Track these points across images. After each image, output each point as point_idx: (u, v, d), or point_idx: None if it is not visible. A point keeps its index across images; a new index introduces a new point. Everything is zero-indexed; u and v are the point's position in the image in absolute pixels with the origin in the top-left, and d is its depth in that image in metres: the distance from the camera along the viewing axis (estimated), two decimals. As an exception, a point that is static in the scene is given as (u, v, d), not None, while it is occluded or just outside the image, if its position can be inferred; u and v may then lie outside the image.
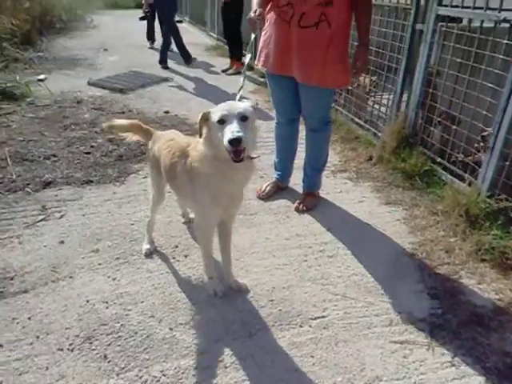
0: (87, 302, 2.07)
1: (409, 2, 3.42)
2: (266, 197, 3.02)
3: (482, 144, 2.96)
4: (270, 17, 2.57)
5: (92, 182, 3.15)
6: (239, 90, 2.03)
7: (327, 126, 2.82)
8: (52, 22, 9.37)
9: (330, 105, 2.84)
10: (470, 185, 2.84)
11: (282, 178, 3.11)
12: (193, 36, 10.16)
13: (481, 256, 2.42)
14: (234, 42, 6.67)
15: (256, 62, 2.76)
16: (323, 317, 2.02)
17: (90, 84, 5.59)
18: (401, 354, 1.84)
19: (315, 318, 2.01)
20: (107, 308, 2.03)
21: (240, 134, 1.57)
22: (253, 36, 2.42)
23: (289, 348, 1.85)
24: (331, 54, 2.46)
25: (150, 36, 8.30)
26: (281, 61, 2.56)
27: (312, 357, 1.82)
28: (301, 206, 2.90)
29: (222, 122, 1.64)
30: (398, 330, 1.96)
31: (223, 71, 6.75)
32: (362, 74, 2.69)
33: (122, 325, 1.94)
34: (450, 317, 2.04)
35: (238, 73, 6.63)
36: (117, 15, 13.39)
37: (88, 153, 3.60)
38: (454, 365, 1.80)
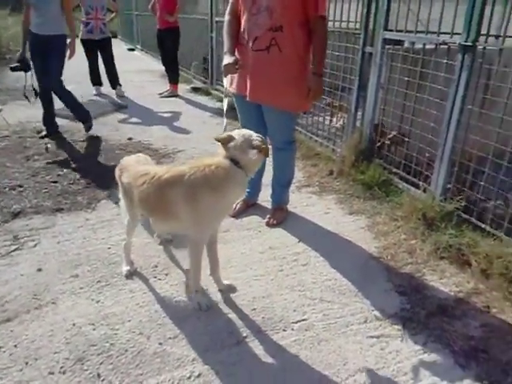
0: (73, 325, 2.09)
1: (358, 27, 3.72)
2: (237, 214, 3.13)
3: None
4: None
5: (63, 209, 3.17)
6: (224, 129, 2.29)
7: (291, 146, 2.98)
8: (1, 52, 9.21)
9: (292, 127, 2.97)
10: (424, 191, 3.09)
11: (251, 195, 3.23)
12: (145, 63, 10.27)
13: (440, 254, 2.64)
14: (171, 67, 6.95)
15: (226, 86, 2.81)
16: (304, 320, 2.15)
17: (49, 114, 5.54)
18: (378, 347, 1.99)
19: (297, 322, 2.14)
20: (94, 329, 2.06)
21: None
22: (226, 100, 2.60)
23: (275, 351, 1.96)
24: (281, 76, 2.62)
25: (96, 79, 6.94)
26: (242, 81, 2.73)
27: (298, 357, 1.93)
28: (271, 220, 3.04)
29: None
30: (373, 326, 2.12)
31: (159, 94, 6.92)
32: (315, 102, 2.86)
33: (111, 344, 1.98)
34: (418, 310, 2.22)
35: (173, 96, 6.89)
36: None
37: (55, 181, 3.61)
38: (425, 352, 1.98)
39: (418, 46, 3.21)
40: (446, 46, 2.94)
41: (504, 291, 2.33)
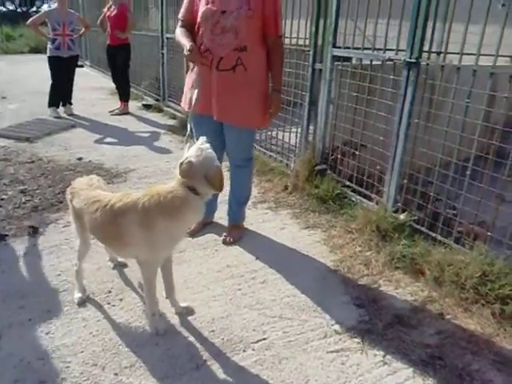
0: (21, 360, 1.96)
1: (307, 44, 3.80)
2: (193, 234, 3.07)
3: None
4: (190, 64, 2.72)
5: (7, 235, 2.99)
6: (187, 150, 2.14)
7: (249, 162, 3.00)
8: None
9: (251, 143, 3.01)
10: (377, 203, 3.17)
11: (207, 214, 3.10)
12: (94, 80, 10.04)
13: (394, 264, 2.70)
14: (122, 84, 6.87)
15: (182, 105, 2.85)
16: (264, 339, 2.12)
17: (-8, 134, 5.29)
18: (339, 362, 2.00)
19: (257, 342, 2.10)
20: (44, 364, 1.94)
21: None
22: (195, 91, 2.51)
23: (236, 373, 1.92)
24: (247, 95, 2.66)
25: (56, 99, 6.50)
26: (204, 101, 2.64)
27: (259, 377, 1.90)
28: (228, 238, 3.01)
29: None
30: (333, 341, 2.12)
31: (110, 112, 6.80)
32: (274, 117, 2.88)
33: (63, 378, 1.87)
34: (376, 321, 2.25)
35: (124, 113, 6.79)
36: (10, 60, 12.82)
37: (-2, 206, 3.42)
38: (386, 363, 2.00)
39: (366, 62, 3.31)
40: (391, 63, 3.06)
41: (456, 298, 2.41)
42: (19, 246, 2.88)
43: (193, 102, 2.52)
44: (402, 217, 2.95)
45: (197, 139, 2.81)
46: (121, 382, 1.86)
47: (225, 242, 3.00)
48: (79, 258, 2.36)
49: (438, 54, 3.77)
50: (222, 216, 3.25)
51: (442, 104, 2.88)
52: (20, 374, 1.89)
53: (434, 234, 2.83)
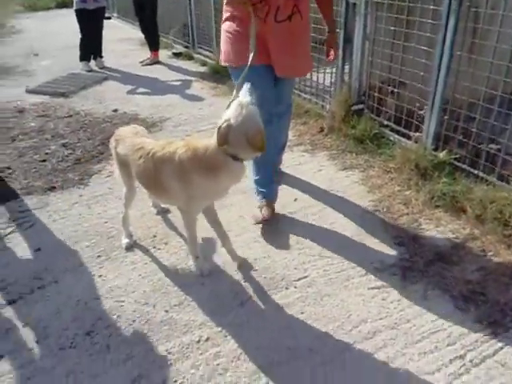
0: (78, 301, 2.11)
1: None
2: (269, 218, 2.61)
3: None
4: (235, 15, 2.41)
5: (55, 188, 3.13)
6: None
7: (291, 108, 2.92)
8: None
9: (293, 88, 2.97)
10: (416, 141, 3.09)
11: (271, 193, 2.72)
12: (123, 31, 9.93)
13: (435, 203, 2.67)
14: (151, 33, 6.74)
15: (224, 61, 2.51)
16: (305, 277, 2.19)
17: (29, 91, 5.40)
18: (380, 298, 2.04)
19: (298, 279, 2.17)
20: (100, 303, 2.09)
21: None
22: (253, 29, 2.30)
23: (280, 309, 2.01)
24: (305, 44, 2.54)
25: (88, 53, 6.46)
26: (261, 52, 2.35)
27: (302, 313, 1.98)
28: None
29: None
30: (373, 278, 2.16)
31: (141, 63, 6.75)
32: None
33: (118, 316, 2.01)
34: (416, 259, 2.27)
35: (155, 62, 6.72)
36: (38, 17, 12.78)
37: (44, 160, 3.55)
38: (426, 298, 2.03)
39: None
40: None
41: (498, 235, 2.38)
42: (67, 196, 3.02)
43: (250, 56, 2.24)
44: (442, 155, 2.87)
45: (254, 91, 2.47)
46: (171, 318, 1.98)
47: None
48: (125, 206, 2.45)
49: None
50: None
51: (487, 33, 2.70)
52: (79, 313, 2.04)
53: (475, 172, 2.76)
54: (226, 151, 1.86)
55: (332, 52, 2.63)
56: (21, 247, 2.51)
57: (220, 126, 1.83)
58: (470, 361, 1.74)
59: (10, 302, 2.12)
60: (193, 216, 2.16)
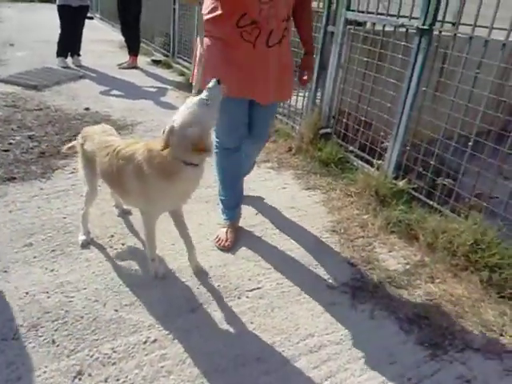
0: (27, 293, 2.06)
1: (321, 6, 3.75)
2: (232, 245, 2.55)
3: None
4: (220, 38, 2.21)
5: (15, 178, 3.06)
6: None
7: (266, 140, 2.83)
8: None
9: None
10: (378, 169, 3.21)
11: (235, 216, 2.70)
12: (104, 33, 9.90)
13: (390, 229, 2.77)
14: (132, 37, 6.78)
15: (198, 87, 2.40)
16: (258, 288, 2.22)
17: (0, 80, 5.29)
18: (329, 314, 2.09)
19: (251, 290, 2.20)
20: (49, 297, 2.04)
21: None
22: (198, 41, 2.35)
23: (230, 318, 2.02)
24: (289, 67, 2.40)
25: (65, 49, 6.43)
26: (244, 83, 2.23)
27: (252, 323, 2.00)
28: None
29: None
30: (324, 294, 2.22)
31: (118, 65, 6.76)
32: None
33: (66, 311, 1.97)
34: (368, 280, 2.34)
35: (133, 67, 6.75)
36: (20, 8, 12.59)
37: (6, 150, 3.46)
38: (373, 318, 2.10)
39: (378, 27, 3.28)
40: (404, 29, 3.03)
41: (447, 264, 2.49)
42: (27, 188, 2.96)
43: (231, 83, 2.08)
44: (401, 183, 3.00)
45: (229, 123, 2.39)
46: (121, 317, 1.96)
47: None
48: (86, 204, 2.42)
49: (452, 24, 3.72)
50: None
51: (451, 74, 2.88)
52: (26, 305, 1.99)
53: (431, 202, 2.89)
54: (173, 155, 1.82)
55: (306, 75, 2.52)
56: (-28, 234, 2.44)
57: (164, 129, 1.82)
58: (409, 379, 1.80)
59: (-47, 289, 2.06)
60: (152, 218, 2.15)
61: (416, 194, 2.98)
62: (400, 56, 3.07)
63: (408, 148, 3.04)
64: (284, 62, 2.31)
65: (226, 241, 2.55)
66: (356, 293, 2.25)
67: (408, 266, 2.49)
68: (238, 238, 2.61)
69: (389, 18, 3.21)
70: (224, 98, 2.09)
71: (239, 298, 2.15)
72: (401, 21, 3.05)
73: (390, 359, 1.89)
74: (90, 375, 1.69)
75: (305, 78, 2.51)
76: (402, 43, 3.05)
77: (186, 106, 1.82)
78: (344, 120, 3.63)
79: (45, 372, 1.69)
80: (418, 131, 3.01)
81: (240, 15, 2.09)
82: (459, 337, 2.04)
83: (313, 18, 2.52)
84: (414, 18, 2.98)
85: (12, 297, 2.03)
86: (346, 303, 2.18)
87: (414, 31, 2.90)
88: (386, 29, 3.23)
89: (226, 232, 2.59)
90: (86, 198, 2.40)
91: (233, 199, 2.67)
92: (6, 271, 2.19)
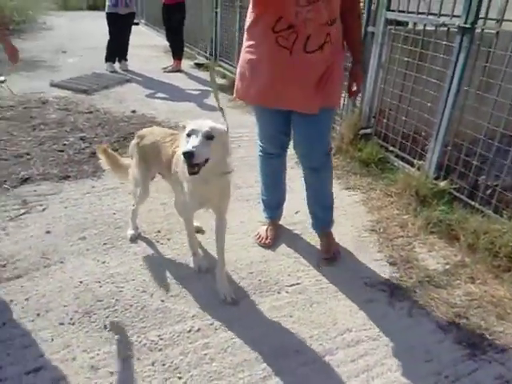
0: (81, 282, 2.22)
1: (361, 6, 3.76)
2: (273, 242, 2.61)
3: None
4: (255, 43, 2.15)
5: (69, 177, 3.28)
6: (222, 113, 2.05)
7: (328, 158, 2.43)
8: (4, 23, 9.16)
9: (330, 130, 2.44)
10: (418, 169, 3.20)
11: (276, 215, 2.74)
12: (149, 38, 10.24)
13: (430, 229, 2.77)
14: (176, 42, 7.02)
15: (235, 96, 2.33)
16: (298, 284, 2.29)
17: (53, 85, 5.61)
18: (366, 310, 2.13)
19: (291, 285, 2.28)
20: (101, 287, 2.20)
21: (194, 149, 1.69)
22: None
23: (270, 311, 2.10)
24: (336, 74, 2.19)
25: (113, 54, 6.77)
26: (275, 93, 2.15)
27: (291, 316, 2.07)
28: (328, 256, 2.49)
29: (189, 135, 1.78)
30: (362, 292, 2.26)
31: (163, 69, 6.98)
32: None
33: (117, 300, 2.12)
34: (406, 279, 2.36)
35: (177, 71, 6.99)
36: (70, 17, 13.20)
37: (61, 150, 3.70)
38: (411, 316, 2.12)
39: (419, 27, 3.28)
40: (445, 28, 3.02)
41: (488, 264, 2.46)
42: (80, 186, 3.16)
43: (260, 92, 2.14)
44: (442, 184, 2.98)
45: (262, 132, 2.47)
46: (166, 307, 2.09)
47: (327, 261, 2.47)
48: (138, 203, 2.54)
49: (497, 21, 3.63)
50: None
51: (494, 72, 2.84)
52: (80, 293, 2.15)
53: (472, 203, 2.86)
54: None
55: (357, 85, 2.33)
56: (32, 228, 2.64)
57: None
58: (446, 377, 1.82)
59: (17, 276, 2.24)
60: (188, 213, 2.22)
61: (457, 195, 2.96)
62: (441, 55, 3.05)
63: (449, 148, 3.02)
64: (329, 69, 2.13)
65: (266, 238, 2.62)
66: (394, 291, 2.27)
67: (448, 266, 2.48)
68: (278, 236, 2.68)
69: (430, 17, 3.20)
70: (256, 108, 2.23)
71: (279, 292, 2.23)
72: (442, 20, 3.03)
73: (427, 357, 1.91)
74: (138, 359, 1.82)
75: (354, 89, 2.35)
76: (444, 42, 3.03)
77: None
78: (384, 120, 3.64)
79: (98, 354, 1.83)
80: (460, 131, 2.98)
81: (276, 19, 2.01)
82: (499, 338, 2.02)
83: (361, 21, 2.39)
84: (455, 16, 2.96)
85: (68, 285, 2.20)
86: (384, 301, 2.21)
87: (456, 30, 2.88)
88: (427, 28, 3.21)
89: (267, 230, 2.66)
90: (138, 197, 2.51)
91: (274, 200, 2.70)
92: (62, 262, 2.37)
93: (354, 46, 2.30)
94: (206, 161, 1.79)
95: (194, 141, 1.74)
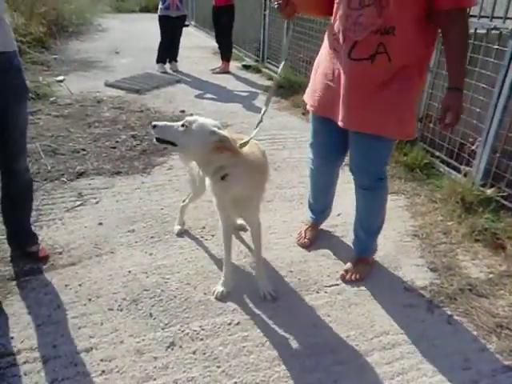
0: (129, 272, 2.36)
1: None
2: (310, 243, 2.64)
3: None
4: (323, 45, 2.16)
5: (121, 172, 3.45)
6: (263, 113, 2.15)
7: (381, 183, 2.26)
8: (64, 25, 9.68)
9: (387, 159, 2.22)
10: (465, 175, 3.14)
11: (320, 219, 2.76)
12: (198, 39, 10.49)
13: (475, 237, 2.72)
14: (225, 44, 7.13)
15: (305, 97, 2.28)
16: (337, 284, 2.32)
17: (107, 85, 5.89)
18: (405, 314, 2.14)
19: (330, 286, 2.31)
20: (148, 277, 2.32)
21: (161, 123, 1.91)
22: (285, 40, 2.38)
23: (308, 309, 2.15)
24: (391, 96, 1.92)
25: (164, 56, 6.99)
26: (325, 100, 2.09)
27: (329, 316, 2.11)
28: (351, 276, 2.35)
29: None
30: (402, 296, 2.26)
31: (212, 70, 7.14)
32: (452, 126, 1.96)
33: (162, 290, 2.23)
34: (447, 286, 2.34)
35: (225, 72, 7.10)
36: (123, 19, 13.70)
37: (114, 147, 3.90)
38: (450, 323, 2.10)
39: (470, 30, 3.21)
40: (497, 32, 2.95)
41: (536, 276, 2.40)
42: (131, 181, 3.33)
43: (315, 98, 2.12)
44: (489, 191, 2.92)
45: (314, 141, 2.38)
46: (208, 300, 2.18)
47: (344, 280, 2.35)
48: (190, 200, 2.65)
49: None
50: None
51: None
52: (128, 281, 2.29)
53: (521, 212, 2.78)
54: None
55: (448, 118, 1.91)
56: (86, 219, 2.81)
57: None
58: (484, 386, 1.80)
59: (71, 264, 2.41)
60: (221, 215, 2.16)
61: (505, 203, 2.89)
62: (492, 60, 2.99)
63: (498, 155, 2.95)
64: (386, 91, 1.92)
65: (305, 237, 2.66)
66: (434, 297, 2.26)
67: (491, 276, 2.44)
68: (317, 237, 2.72)
69: (481, 20, 3.13)
70: (311, 114, 2.22)
71: (318, 292, 2.27)
72: (494, 23, 2.97)
73: (465, 365, 1.89)
74: (180, 347, 1.92)
75: (446, 121, 1.92)
76: (495, 46, 2.97)
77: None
78: (431, 125, 3.59)
79: (143, 340, 1.94)
80: (510, 137, 2.90)
81: (333, 21, 1.99)
82: (544, 352, 1.98)
83: (465, 42, 1.88)
84: (508, 18, 2.89)
85: (117, 274, 2.34)
86: (423, 306, 2.20)
87: (508, 34, 2.81)
88: (478, 31, 3.15)
89: (306, 230, 2.70)
90: (193, 195, 2.60)
91: (320, 206, 2.70)
92: (112, 252, 2.52)
93: (449, 68, 1.91)
94: (174, 144, 1.91)
95: (173, 124, 1.92)
